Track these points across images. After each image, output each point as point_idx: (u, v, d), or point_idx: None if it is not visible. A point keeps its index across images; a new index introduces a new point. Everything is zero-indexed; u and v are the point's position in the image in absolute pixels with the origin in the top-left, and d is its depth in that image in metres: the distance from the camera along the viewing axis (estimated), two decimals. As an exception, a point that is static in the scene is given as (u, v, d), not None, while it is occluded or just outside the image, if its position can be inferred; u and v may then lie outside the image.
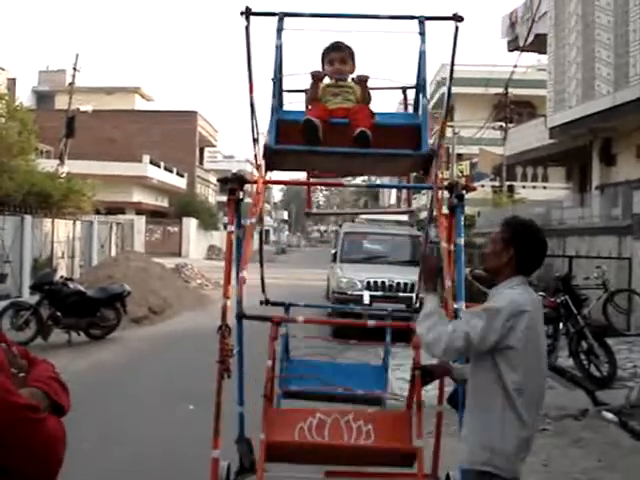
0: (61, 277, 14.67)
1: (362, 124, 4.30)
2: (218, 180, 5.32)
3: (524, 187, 38.21)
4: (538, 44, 26.60)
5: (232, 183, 4.65)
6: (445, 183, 4.70)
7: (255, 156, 4.94)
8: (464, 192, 4.71)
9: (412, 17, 4.65)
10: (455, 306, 4.41)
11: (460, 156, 41.02)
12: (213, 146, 67.14)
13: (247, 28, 4.50)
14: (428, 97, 4.94)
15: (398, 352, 12.28)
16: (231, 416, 5.52)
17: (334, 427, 4.63)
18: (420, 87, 4.78)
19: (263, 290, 6.17)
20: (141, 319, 16.46)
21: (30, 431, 1.71)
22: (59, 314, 13.20)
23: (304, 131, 4.28)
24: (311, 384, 5.42)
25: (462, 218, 4.70)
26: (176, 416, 8.22)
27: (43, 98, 57.67)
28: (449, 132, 38.58)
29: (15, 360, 1.86)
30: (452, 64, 4.67)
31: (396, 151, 4.58)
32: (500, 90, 33.68)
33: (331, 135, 4.33)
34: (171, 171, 50.92)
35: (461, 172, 40.72)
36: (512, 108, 36.36)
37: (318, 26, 4.56)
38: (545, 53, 26.24)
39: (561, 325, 10.92)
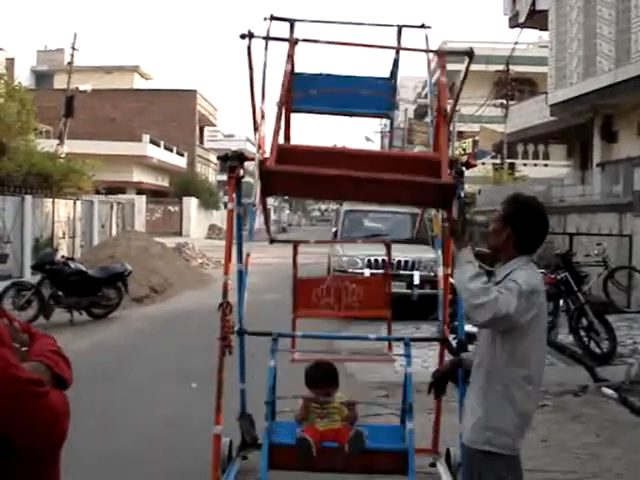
0: (62, 257, 14.68)
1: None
2: (218, 158, 5.35)
3: (525, 165, 38.19)
4: (539, 20, 26.43)
5: (232, 161, 4.67)
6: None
7: (257, 140, 4.95)
8: (464, 168, 4.73)
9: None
10: (451, 281, 4.50)
11: (461, 134, 40.92)
12: (213, 125, 66.94)
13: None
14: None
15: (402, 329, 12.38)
16: (233, 394, 5.57)
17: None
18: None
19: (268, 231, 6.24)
20: (142, 298, 16.50)
21: (34, 404, 1.72)
22: (61, 293, 13.24)
23: (297, 446, 4.58)
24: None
25: (462, 194, 4.72)
26: (178, 394, 8.26)
27: (42, 78, 57.46)
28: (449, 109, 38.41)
29: (17, 334, 1.87)
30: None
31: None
32: (501, 67, 33.53)
33: (323, 456, 4.59)
34: (171, 150, 50.82)
35: (464, 149, 40.65)
36: (513, 85, 36.24)
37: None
38: (546, 30, 26.09)
39: (561, 302, 10.94)
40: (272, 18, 5.02)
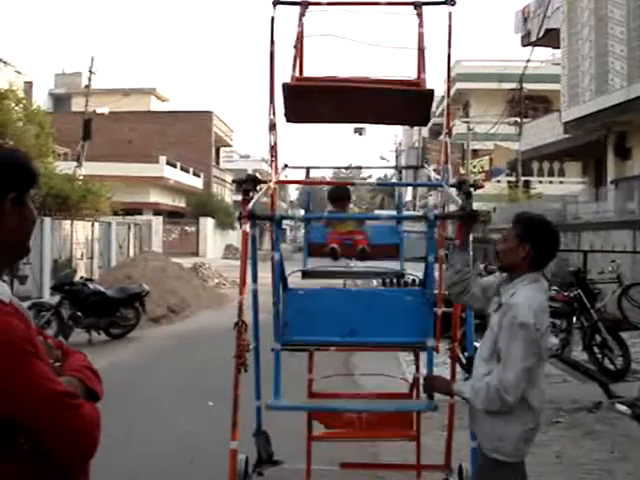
0: (81, 277, 14.88)
1: (361, 243, 5.95)
2: (233, 181, 5.54)
3: (540, 182, 38.19)
4: (551, 39, 26.61)
5: (246, 184, 4.83)
6: (453, 181, 4.88)
7: (272, 145, 5.22)
8: (472, 189, 4.86)
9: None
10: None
11: (475, 152, 41.03)
12: (229, 146, 67.36)
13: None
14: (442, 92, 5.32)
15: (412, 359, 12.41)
16: (249, 412, 5.68)
17: None
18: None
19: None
20: (160, 318, 16.68)
21: (69, 416, 1.87)
22: (79, 314, 13.43)
23: (329, 254, 5.87)
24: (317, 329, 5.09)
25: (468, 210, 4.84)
26: (195, 413, 8.38)
27: (60, 101, 58.15)
28: (464, 128, 38.60)
29: (51, 351, 2.03)
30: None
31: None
32: (515, 85, 33.68)
33: (342, 250, 5.85)
34: (187, 171, 51.21)
35: (482, 167, 40.74)
36: (527, 103, 36.36)
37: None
38: (559, 48, 26.23)
39: (575, 319, 10.98)
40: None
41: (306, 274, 6.15)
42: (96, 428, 1.96)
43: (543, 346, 3.47)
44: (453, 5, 4.86)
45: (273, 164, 5.44)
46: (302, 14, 5.22)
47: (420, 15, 5.10)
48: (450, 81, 6.14)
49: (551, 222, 3.80)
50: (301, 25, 5.17)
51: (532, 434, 3.57)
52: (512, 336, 3.39)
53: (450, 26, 4.91)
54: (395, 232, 6.65)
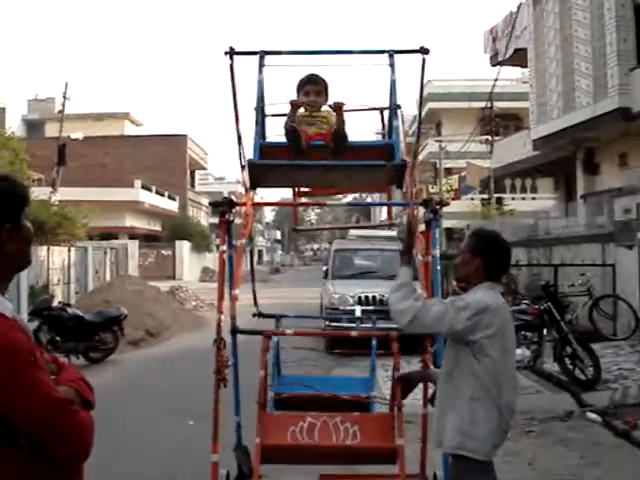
0: (59, 302, 14.92)
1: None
2: (210, 204, 5.68)
3: (513, 199, 38.69)
4: (519, 58, 27.08)
5: (222, 207, 5.03)
6: (420, 200, 5.11)
7: (244, 181, 5.29)
8: (438, 207, 5.09)
9: (382, 51, 5.12)
10: None
11: (449, 170, 41.50)
12: (204, 169, 67.53)
13: (231, 66, 4.93)
14: (404, 119, 5.36)
15: (390, 364, 12.60)
16: (229, 428, 5.83)
17: (323, 429, 4.97)
18: (392, 111, 5.12)
19: (255, 303, 6.48)
20: (138, 341, 16.72)
21: (69, 420, 2.09)
22: (58, 339, 13.49)
23: (288, 138, 4.66)
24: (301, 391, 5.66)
25: (437, 231, 5.10)
26: (176, 432, 8.49)
27: (33, 126, 58.04)
28: (436, 147, 39.08)
29: (48, 365, 2.23)
30: (421, 91, 5.11)
31: (370, 162, 4.79)
32: (485, 104, 34.19)
33: (311, 156, 4.67)
34: (162, 195, 51.23)
35: (450, 186, 41.23)
36: (498, 121, 36.94)
37: (296, 61, 5.03)
38: (527, 67, 26.74)
39: (545, 331, 11.23)
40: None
41: (252, 172, 4.88)
42: (91, 431, 2.18)
43: (498, 345, 3.67)
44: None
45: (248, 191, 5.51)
46: (261, 65, 5.12)
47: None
48: (420, 122, 6.28)
49: (503, 239, 4.05)
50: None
51: (499, 434, 3.73)
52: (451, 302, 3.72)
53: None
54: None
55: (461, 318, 3.61)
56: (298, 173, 5.00)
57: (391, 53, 5.06)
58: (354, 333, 6.38)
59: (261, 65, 5.11)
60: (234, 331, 5.18)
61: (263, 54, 5.13)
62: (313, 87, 4.81)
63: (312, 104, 4.80)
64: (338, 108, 4.71)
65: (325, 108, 4.81)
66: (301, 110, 4.81)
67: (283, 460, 5.15)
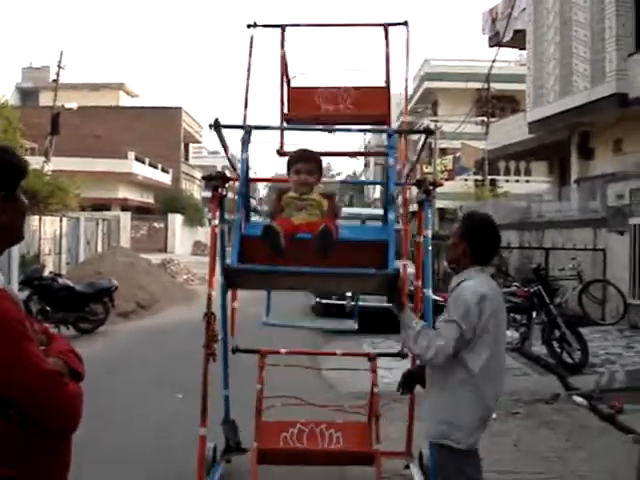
0: (50, 272, 14.91)
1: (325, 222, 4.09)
2: (202, 178, 5.68)
3: (507, 181, 38.69)
4: (518, 40, 27.00)
5: (215, 181, 5.02)
6: (413, 180, 5.14)
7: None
8: (431, 187, 5.11)
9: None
10: (425, 291, 4.96)
11: (444, 150, 41.41)
12: (198, 142, 67.21)
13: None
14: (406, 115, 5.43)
15: (380, 343, 12.68)
16: (218, 402, 5.87)
17: (311, 435, 5.68)
18: (388, 200, 4.72)
19: None
20: (129, 313, 16.76)
21: (58, 392, 2.11)
22: (49, 309, 13.50)
23: (265, 238, 3.98)
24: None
25: (429, 211, 5.12)
26: (166, 405, 8.53)
27: (27, 95, 57.68)
28: (432, 126, 39.00)
29: (37, 336, 2.23)
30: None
31: (358, 271, 4.17)
32: (482, 85, 34.07)
33: (295, 250, 4.01)
34: (156, 167, 51.03)
35: (444, 166, 41.16)
36: (494, 103, 36.80)
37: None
38: (525, 49, 26.64)
39: (535, 314, 11.30)
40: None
41: (229, 276, 4.40)
42: (80, 404, 2.19)
43: (493, 333, 3.68)
44: (406, 26, 5.55)
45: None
46: (283, 39, 5.44)
47: (387, 37, 5.48)
48: (407, 88, 6.35)
49: (491, 223, 4.02)
50: (283, 51, 5.42)
51: (482, 423, 3.76)
52: (455, 309, 3.68)
53: (407, 42, 5.54)
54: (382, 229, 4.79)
55: (470, 325, 3.62)
56: (279, 278, 4.45)
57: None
58: (339, 352, 7.35)
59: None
60: (234, 350, 5.98)
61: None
62: (304, 165, 4.28)
63: (304, 183, 4.25)
64: (330, 197, 4.36)
65: (317, 193, 4.28)
66: (290, 192, 4.27)
67: (276, 462, 5.60)
